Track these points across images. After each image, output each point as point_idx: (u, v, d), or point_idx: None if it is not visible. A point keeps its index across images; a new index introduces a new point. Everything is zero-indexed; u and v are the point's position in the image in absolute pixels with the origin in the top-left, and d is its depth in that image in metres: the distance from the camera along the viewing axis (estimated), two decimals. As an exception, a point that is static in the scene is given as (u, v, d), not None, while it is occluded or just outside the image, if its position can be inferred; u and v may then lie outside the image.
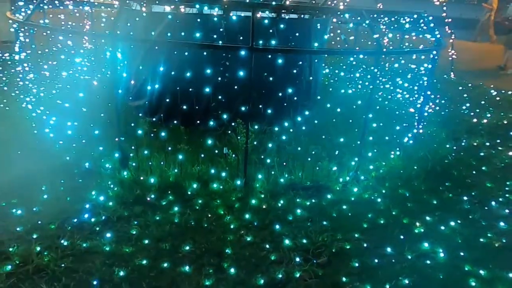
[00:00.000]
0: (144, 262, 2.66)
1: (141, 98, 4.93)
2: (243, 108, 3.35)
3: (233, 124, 3.74)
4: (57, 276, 2.47)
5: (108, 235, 2.89)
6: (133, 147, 3.73)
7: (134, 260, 2.67)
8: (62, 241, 2.79)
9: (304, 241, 2.99)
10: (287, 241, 2.96)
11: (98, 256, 2.70)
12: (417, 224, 3.30)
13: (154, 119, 4.36)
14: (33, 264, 2.55)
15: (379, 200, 3.60)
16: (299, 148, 3.82)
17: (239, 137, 3.67)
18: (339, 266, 2.78)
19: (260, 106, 3.57)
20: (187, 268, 2.64)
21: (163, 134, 3.64)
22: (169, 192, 3.45)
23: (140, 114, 4.48)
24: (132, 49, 4.57)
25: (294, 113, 3.65)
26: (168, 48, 3.96)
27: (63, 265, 2.58)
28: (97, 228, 2.98)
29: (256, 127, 3.68)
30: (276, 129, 3.72)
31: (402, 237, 3.12)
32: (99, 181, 3.54)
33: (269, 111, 3.42)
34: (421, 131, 4.76)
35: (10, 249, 2.67)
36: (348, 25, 4.47)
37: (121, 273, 2.54)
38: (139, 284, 2.47)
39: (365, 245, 3.02)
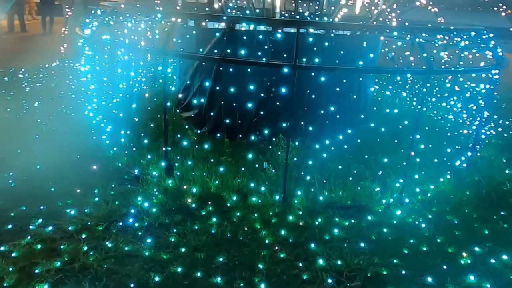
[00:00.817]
0: (179, 269, 2.76)
1: (189, 110, 5.16)
2: (284, 124, 3.38)
3: (274, 139, 3.79)
4: (99, 276, 2.64)
5: (149, 240, 3.04)
6: (178, 157, 3.90)
7: (170, 267, 2.78)
8: (107, 243, 2.98)
9: (339, 262, 2.93)
10: (321, 261, 2.92)
11: (138, 260, 2.84)
12: (464, 254, 3.10)
13: (200, 131, 4.52)
14: (79, 262, 2.75)
15: (423, 225, 3.44)
16: (340, 167, 3.76)
17: (279, 153, 3.70)
18: (373, 292, 2.69)
19: (303, 122, 3.58)
20: (219, 279, 2.69)
21: (206, 146, 3.77)
22: (209, 202, 3.55)
23: (187, 126, 4.67)
24: (182, 64, 4.81)
25: (338, 131, 3.61)
26: (215, 64, 4.12)
27: (105, 266, 2.75)
28: (139, 233, 3.15)
29: (297, 143, 3.68)
30: (318, 146, 3.69)
31: (445, 267, 2.95)
32: (145, 187, 3.73)
33: (311, 127, 3.41)
34: (478, 154, 4.48)
35: (61, 247, 2.91)
36: (397, 43, 4.35)
37: (157, 279, 2.66)
38: (171, 291, 2.57)
39: (403, 272, 2.89)
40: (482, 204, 3.80)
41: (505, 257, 3.08)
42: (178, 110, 5.41)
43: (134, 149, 4.15)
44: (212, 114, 4.21)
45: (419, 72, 3.50)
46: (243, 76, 3.70)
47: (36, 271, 2.64)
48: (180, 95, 5.36)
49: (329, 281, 2.73)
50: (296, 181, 3.72)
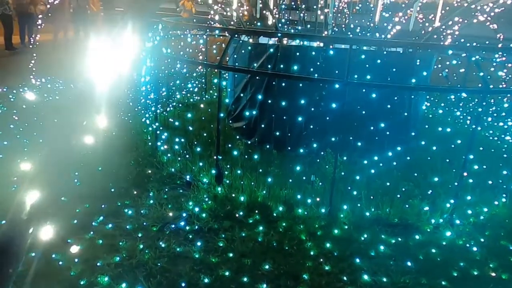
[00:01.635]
0: (227, 273, 2.89)
1: (239, 121, 5.34)
2: (333, 139, 3.44)
3: (322, 153, 3.85)
4: (153, 273, 2.83)
5: (199, 243, 3.20)
6: (228, 166, 4.06)
7: (219, 270, 2.92)
8: (161, 243, 3.18)
9: (384, 279, 2.92)
10: (365, 277, 2.93)
11: (188, 261, 3.01)
12: (519, 282, 2.97)
13: (249, 141, 4.68)
14: (136, 259, 2.96)
15: (475, 248, 3.33)
16: (388, 183, 3.74)
17: (327, 166, 3.76)
18: (419, 312, 2.65)
19: (351, 137, 3.62)
20: (264, 286, 2.79)
21: (255, 156, 3.90)
22: (256, 211, 3.67)
23: (238, 136, 4.85)
24: (236, 77, 5.01)
25: (387, 148, 3.61)
26: (266, 78, 4.27)
27: (159, 264, 2.94)
28: (190, 236, 3.32)
29: (344, 158, 3.72)
30: (366, 162, 3.71)
31: (497, 293, 2.85)
32: (196, 193, 3.92)
33: (360, 143, 3.44)
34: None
35: (120, 243, 3.14)
36: (451, 61, 4.27)
37: (206, 280, 2.80)
38: (220, 293, 2.69)
39: (452, 295, 2.83)
40: (540, 231, 3.61)
41: None
42: (229, 121, 5.62)
43: (187, 156, 4.37)
44: (261, 125, 4.35)
45: (473, 91, 3.44)
46: (293, 90, 3.82)
47: (98, 264, 2.88)
48: (231, 106, 5.57)
49: (374, 297, 2.74)
50: (342, 195, 3.75)
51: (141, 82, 5.24)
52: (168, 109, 6.12)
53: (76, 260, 2.90)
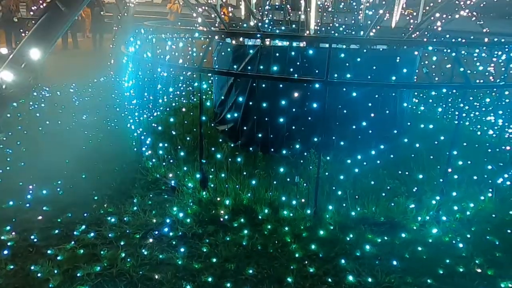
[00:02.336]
0: (210, 279, 2.85)
1: (224, 124, 5.30)
2: (316, 139, 3.41)
3: (305, 154, 3.82)
4: (135, 282, 2.78)
5: (182, 249, 3.16)
6: (213, 170, 4.02)
7: (201, 276, 2.87)
8: (143, 250, 3.13)
9: (370, 279, 2.89)
10: (350, 278, 2.90)
11: (171, 268, 2.96)
12: (505, 278, 2.95)
13: (234, 144, 4.63)
14: (117, 268, 2.91)
15: (461, 245, 3.31)
16: (372, 182, 3.72)
17: (311, 167, 3.73)
18: (403, 312, 2.63)
19: (334, 137, 3.59)
20: (248, 291, 2.75)
21: (239, 159, 3.87)
22: (242, 214, 3.63)
23: (222, 139, 4.80)
24: (218, 80, 4.97)
25: (371, 146, 3.59)
26: (249, 80, 4.23)
27: (141, 272, 2.89)
28: (174, 242, 3.27)
29: (328, 158, 3.69)
30: (351, 161, 3.68)
31: (482, 289, 2.83)
32: (180, 198, 3.88)
33: (343, 142, 3.42)
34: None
35: (102, 252, 3.08)
36: (432, 58, 4.25)
37: (188, 287, 2.75)
38: (202, 300, 2.65)
39: (437, 293, 2.80)
40: (527, 225, 3.60)
41: (551, 282, 2.90)
42: (213, 124, 5.57)
43: (171, 161, 4.33)
44: (245, 128, 4.32)
45: (454, 87, 3.42)
46: (276, 91, 3.78)
47: (78, 274, 2.83)
48: (216, 110, 5.53)
49: (358, 298, 2.71)
50: (328, 196, 3.72)
51: (125, 88, 5.19)
52: (155, 113, 6.08)
53: (55, 271, 2.84)
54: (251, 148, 3.92)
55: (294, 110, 3.76)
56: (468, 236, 3.45)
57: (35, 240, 3.21)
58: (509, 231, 3.54)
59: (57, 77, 8.75)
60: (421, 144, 3.96)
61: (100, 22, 14.29)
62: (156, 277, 2.85)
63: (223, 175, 3.92)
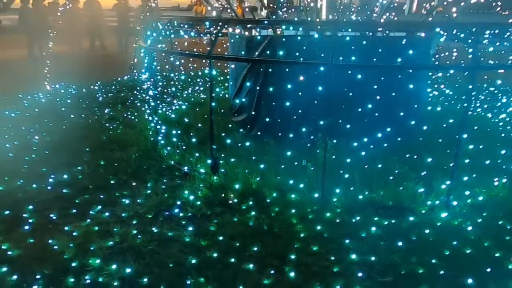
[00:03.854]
0: (215, 255, 2.94)
1: (240, 114, 5.41)
2: (321, 122, 3.46)
3: (312, 137, 3.86)
4: (143, 255, 2.92)
5: (190, 228, 3.27)
6: (223, 155, 4.13)
7: (207, 252, 2.97)
8: (153, 228, 3.27)
9: (373, 258, 2.90)
10: (353, 256, 2.92)
11: (178, 244, 3.08)
12: (513, 259, 2.90)
13: (249, 133, 4.72)
14: (127, 243, 3.05)
15: (470, 228, 3.27)
16: (380, 165, 3.71)
17: (318, 151, 3.77)
18: (404, 288, 2.63)
19: (340, 121, 3.61)
20: (251, 266, 2.83)
21: (249, 144, 3.95)
22: (251, 198, 3.71)
23: (239, 129, 4.89)
24: (235, 70, 5.08)
25: (377, 129, 3.59)
26: (262, 70, 4.31)
27: (149, 247, 3.02)
28: (183, 222, 3.39)
29: (334, 141, 3.71)
30: (358, 144, 3.69)
31: (489, 270, 2.79)
32: (192, 182, 4.00)
33: (349, 126, 3.43)
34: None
35: (114, 229, 3.24)
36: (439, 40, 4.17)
37: (193, 261, 2.86)
38: (205, 273, 2.74)
39: (441, 272, 2.79)
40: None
41: (562, 265, 2.83)
42: (231, 115, 5.68)
43: (183, 147, 4.47)
44: (257, 116, 4.39)
45: (463, 68, 3.38)
46: (282, 77, 3.85)
47: (92, 248, 2.99)
48: (233, 101, 5.64)
49: (360, 274, 2.73)
50: (336, 180, 3.75)
51: (142, 80, 5.38)
52: (173, 107, 6.27)
53: (70, 245, 3.01)
54: (265, 136, 3.99)
55: (301, 94, 3.80)
56: (479, 220, 3.40)
57: (54, 217, 3.41)
58: (523, 216, 3.46)
59: (84, 76, 9.13)
60: (430, 127, 3.91)
61: (125, 24, 14.74)
62: (163, 251, 2.97)
63: (232, 160, 4.01)
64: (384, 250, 2.99)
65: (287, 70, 3.91)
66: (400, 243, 3.08)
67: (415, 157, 3.89)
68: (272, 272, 2.77)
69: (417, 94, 4.02)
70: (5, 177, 4.10)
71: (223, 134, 4.36)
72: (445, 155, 3.74)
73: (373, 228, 3.27)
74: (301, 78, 3.50)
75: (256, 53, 4.78)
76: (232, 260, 2.89)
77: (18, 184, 4.00)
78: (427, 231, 3.24)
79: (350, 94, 3.57)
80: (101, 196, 3.78)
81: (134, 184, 4.04)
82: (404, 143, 3.90)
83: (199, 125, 4.86)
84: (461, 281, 2.69)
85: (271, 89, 4.09)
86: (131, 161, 4.55)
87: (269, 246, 3.05)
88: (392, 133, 3.67)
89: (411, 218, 3.42)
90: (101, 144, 5.12)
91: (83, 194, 3.83)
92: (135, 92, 7.95)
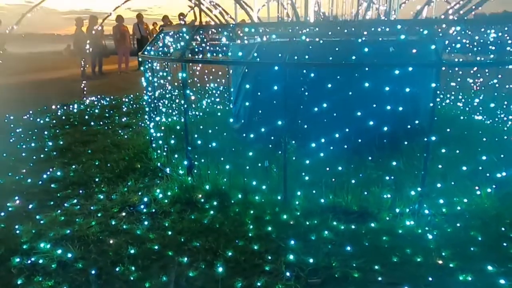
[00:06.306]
0: (156, 247, 3.01)
1: (238, 122, 5.48)
2: (279, 122, 3.42)
3: (272, 138, 3.81)
4: (89, 243, 3.07)
5: (146, 223, 3.38)
6: (196, 156, 4.22)
7: (148, 243, 3.05)
8: (112, 221, 3.42)
9: (311, 260, 2.78)
10: (291, 256, 2.83)
11: (127, 236, 3.18)
12: (468, 271, 2.61)
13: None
14: (82, 232, 3.23)
15: (430, 236, 3.01)
16: (339, 168, 3.56)
17: (279, 152, 3.70)
18: (328, 290, 2.49)
19: (300, 121, 3.54)
20: (185, 259, 2.84)
21: (214, 144, 4.02)
22: (216, 198, 3.74)
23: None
24: (233, 81, 5.21)
25: (336, 130, 3.45)
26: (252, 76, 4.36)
27: (100, 237, 3.17)
28: (143, 217, 3.51)
29: (293, 142, 3.63)
30: (317, 146, 3.57)
31: (431, 279, 2.55)
32: (168, 183, 4.13)
33: (307, 126, 3.34)
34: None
35: (77, 220, 3.45)
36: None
37: (132, 251, 2.95)
38: (136, 260, 2.82)
39: (379, 278, 2.60)
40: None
41: (525, 281, 2.50)
42: (233, 124, 5.77)
43: (165, 148, 4.64)
44: (251, 121, 4.44)
45: (424, 65, 3.16)
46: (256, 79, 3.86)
47: (50, 235, 3.20)
48: (234, 110, 5.76)
49: (287, 274, 2.64)
50: (299, 183, 3.66)
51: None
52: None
53: (33, 231, 3.25)
54: (259, 141, 4.01)
55: (258, 93, 3.77)
56: (449, 230, 3.12)
57: (31, 207, 3.71)
58: (503, 228, 3.12)
59: (116, 91, 9.88)
60: (398, 129, 3.67)
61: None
62: (110, 241, 3.09)
63: (202, 160, 4.09)
64: (326, 254, 2.85)
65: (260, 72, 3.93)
66: (348, 248, 2.92)
67: (380, 160, 3.68)
68: (203, 266, 2.77)
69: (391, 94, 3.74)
70: (9, 172, 4.55)
71: (195, 136, 4.46)
72: (416, 159, 3.50)
73: (326, 232, 3.14)
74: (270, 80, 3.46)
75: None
76: (170, 253, 2.93)
77: (16, 178, 4.41)
78: (384, 238, 3.05)
79: (306, 94, 3.49)
80: (80, 191, 4.04)
81: (115, 182, 4.26)
82: (372, 145, 3.70)
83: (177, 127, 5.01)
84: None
85: (245, 90, 4.13)
86: (121, 162, 4.80)
87: (211, 243, 3.05)
88: (356, 134, 3.51)
89: (372, 224, 3.23)
90: (104, 147, 5.48)
91: (67, 189, 4.12)
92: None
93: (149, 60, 4.57)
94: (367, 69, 3.28)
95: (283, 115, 3.37)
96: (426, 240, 3.00)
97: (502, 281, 2.51)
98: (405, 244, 2.95)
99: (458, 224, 3.19)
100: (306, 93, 3.54)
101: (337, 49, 3.64)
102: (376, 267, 2.71)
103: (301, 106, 3.28)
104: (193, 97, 5.48)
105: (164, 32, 4.68)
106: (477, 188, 3.44)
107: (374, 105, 3.44)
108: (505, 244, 2.92)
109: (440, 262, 2.74)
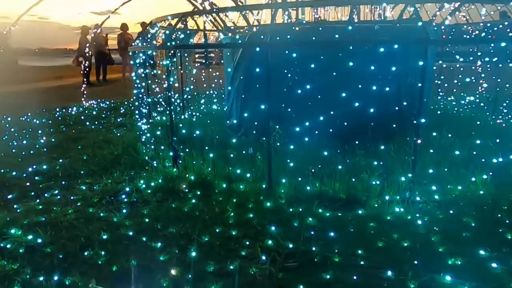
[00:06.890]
0: (130, 233, 2.88)
1: (231, 119, 5.37)
2: (262, 107, 3.30)
3: (255, 123, 3.68)
4: (61, 228, 2.95)
5: (124, 211, 3.26)
6: (181, 147, 4.11)
7: (123, 229, 2.92)
8: (90, 209, 3.30)
9: (290, 245, 2.62)
10: (270, 242, 2.67)
11: (103, 223, 3.06)
12: (458, 255, 2.43)
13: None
14: (57, 219, 3.11)
15: (419, 222, 2.83)
16: (325, 153, 3.40)
17: (264, 138, 3.57)
18: (304, 274, 2.32)
19: (283, 105, 3.40)
20: (158, 244, 2.71)
21: (197, 132, 3.90)
22: (200, 188, 3.61)
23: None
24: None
25: (320, 114, 3.30)
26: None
27: (75, 223, 3.05)
28: (122, 206, 3.39)
29: (277, 127, 3.48)
30: (299, 130, 3.42)
31: (416, 262, 2.37)
32: (151, 174, 4.01)
33: (291, 110, 3.20)
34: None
35: (54, 208, 3.34)
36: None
37: (104, 236, 2.82)
38: (107, 246, 2.68)
39: (361, 262, 2.43)
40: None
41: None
42: (226, 122, 5.66)
43: (151, 141, 4.54)
44: (243, 117, 4.33)
45: (415, 42, 3.02)
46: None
47: (24, 222, 3.09)
48: (226, 107, 5.66)
49: (263, 258, 2.48)
50: (285, 170, 3.52)
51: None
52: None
53: (7, 218, 3.15)
54: (251, 136, 3.87)
55: (241, 77, 3.63)
56: (440, 217, 2.94)
57: (10, 197, 3.62)
58: (499, 215, 2.93)
59: (117, 96, 9.88)
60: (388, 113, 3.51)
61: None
62: (83, 227, 2.97)
63: (187, 150, 3.97)
64: (307, 239, 2.69)
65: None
66: (332, 234, 2.76)
67: (368, 145, 3.51)
68: (176, 251, 2.63)
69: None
70: (-4, 167, 4.49)
71: (180, 125, 4.35)
72: (406, 144, 3.34)
73: (310, 219, 2.98)
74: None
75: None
76: (144, 238, 2.80)
77: (1, 172, 4.33)
78: (371, 224, 2.88)
79: (293, 78, 3.36)
80: (63, 183, 3.94)
81: (100, 175, 4.16)
82: (363, 131, 3.53)
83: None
84: (377, 272, 2.31)
85: (236, 87, 4.03)
86: (109, 156, 4.71)
87: (187, 229, 2.91)
88: (345, 119, 3.37)
89: (360, 212, 3.07)
90: (94, 143, 5.41)
91: (50, 181, 4.03)
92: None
93: (136, 52, 4.51)
94: (351, 47, 3.15)
95: (266, 99, 3.24)
96: (416, 225, 2.83)
97: (494, 265, 2.32)
98: (392, 230, 2.77)
99: (451, 211, 3.01)
100: (293, 77, 3.40)
101: (320, 28, 3.53)
102: (359, 251, 2.54)
103: (285, 90, 3.14)
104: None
105: (152, 25, 4.62)
106: (473, 175, 3.25)
107: (360, 86, 3.29)
108: (500, 230, 2.73)
109: (428, 246, 2.56)
